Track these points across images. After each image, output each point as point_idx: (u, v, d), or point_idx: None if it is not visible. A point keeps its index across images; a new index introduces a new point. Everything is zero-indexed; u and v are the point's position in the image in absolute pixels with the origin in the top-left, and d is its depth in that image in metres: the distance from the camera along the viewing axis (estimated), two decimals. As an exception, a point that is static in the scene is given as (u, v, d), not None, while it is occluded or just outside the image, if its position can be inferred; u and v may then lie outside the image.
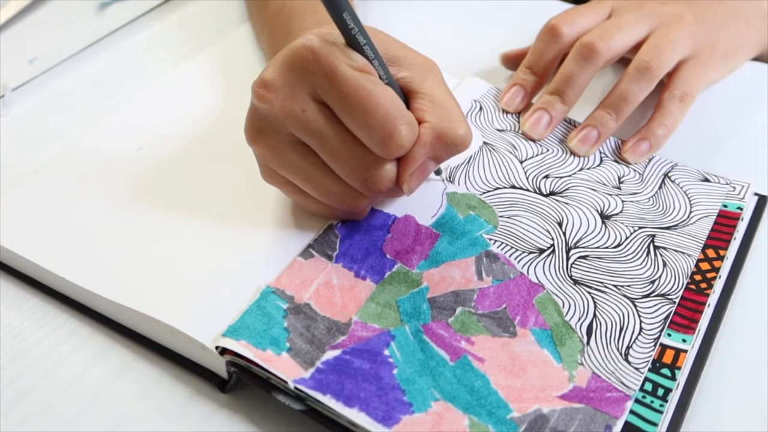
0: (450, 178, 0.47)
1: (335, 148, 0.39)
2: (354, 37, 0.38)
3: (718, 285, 0.42)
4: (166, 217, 0.44)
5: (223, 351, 0.37)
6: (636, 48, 0.50)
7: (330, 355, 0.37)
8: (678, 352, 0.38)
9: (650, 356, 0.38)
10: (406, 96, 0.41)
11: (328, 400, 0.34)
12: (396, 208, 0.44)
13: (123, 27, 0.64)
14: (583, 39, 0.49)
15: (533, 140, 0.50)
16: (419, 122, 0.39)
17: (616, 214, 0.45)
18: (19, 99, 0.56)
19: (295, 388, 0.35)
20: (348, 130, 0.39)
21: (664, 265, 0.42)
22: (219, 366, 0.37)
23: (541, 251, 0.43)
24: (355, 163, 0.39)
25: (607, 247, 0.43)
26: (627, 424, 0.35)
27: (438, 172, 0.46)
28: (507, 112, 0.52)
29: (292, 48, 0.38)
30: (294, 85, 0.38)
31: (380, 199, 0.44)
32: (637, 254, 0.43)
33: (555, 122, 0.50)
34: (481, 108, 0.52)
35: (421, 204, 0.45)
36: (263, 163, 0.42)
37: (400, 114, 0.38)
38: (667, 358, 0.38)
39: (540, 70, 0.52)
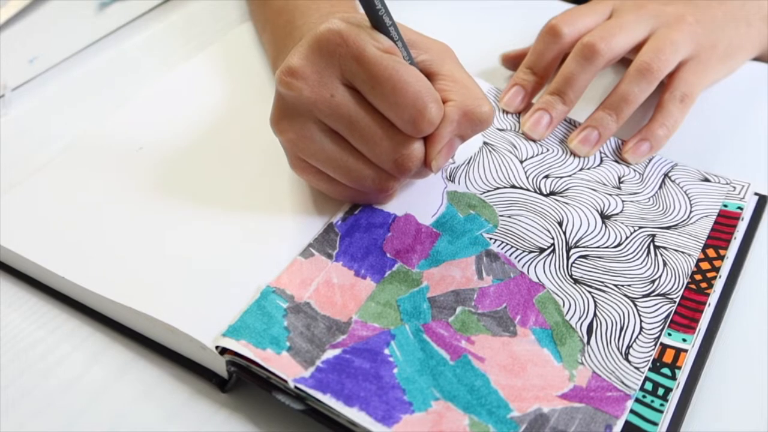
0: (450, 177, 0.47)
1: (365, 131, 0.39)
2: (380, 18, 0.39)
3: (719, 284, 0.42)
4: (166, 217, 0.44)
5: (223, 350, 0.37)
6: (637, 48, 0.50)
7: (330, 354, 0.37)
8: (678, 351, 0.38)
9: (650, 356, 0.38)
10: (427, 78, 0.41)
11: (328, 400, 0.34)
12: (396, 206, 0.44)
13: (123, 27, 0.64)
14: (583, 39, 0.49)
15: (533, 140, 0.50)
16: (443, 102, 0.40)
17: (617, 214, 0.45)
18: (19, 99, 0.56)
19: (296, 387, 0.35)
20: (377, 113, 0.39)
21: (665, 264, 0.42)
22: (219, 365, 0.37)
23: (542, 250, 0.43)
24: (386, 144, 0.39)
25: (607, 247, 0.43)
26: (627, 423, 0.35)
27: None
28: (507, 112, 0.52)
29: (318, 33, 0.38)
30: (321, 70, 0.39)
31: (408, 181, 0.45)
32: (637, 254, 0.43)
33: (555, 122, 0.50)
34: (481, 108, 0.52)
35: (421, 203, 0.45)
36: (292, 154, 0.42)
37: (428, 92, 0.39)
38: (668, 357, 0.38)
39: (540, 70, 0.52)
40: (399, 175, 0.41)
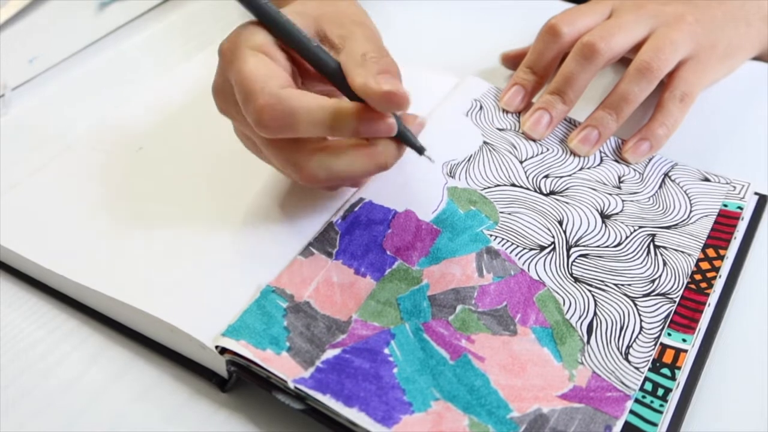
0: (451, 173, 0.47)
1: (262, 145, 0.40)
2: (263, 12, 0.40)
3: (719, 284, 0.42)
4: (167, 216, 0.44)
5: (223, 350, 0.37)
6: (636, 48, 0.50)
7: (330, 354, 0.37)
8: (678, 351, 0.38)
9: (650, 356, 0.38)
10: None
11: (327, 400, 0.34)
12: (396, 202, 0.44)
13: (123, 27, 0.64)
14: (583, 39, 0.49)
15: (533, 140, 0.50)
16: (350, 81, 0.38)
17: (617, 214, 0.45)
18: (19, 99, 0.56)
19: (295, 388, 0.35)
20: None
21: (665, 264, 0.42)
22: (219, 365, 0.37)
23: (542, 248, 0.43)
24: (277, 156, 0.40)
25: (607, 246, 0.43)
26: (627, 424, 0.35)
27: (420, 152, 0.41)
28: (507, 112, 0.52)
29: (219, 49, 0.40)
30: (225, 88, 0.40)
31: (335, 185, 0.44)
32: (637, 253, 0.43)
33: (555, 122, 0.50)
34: (481, 107, 0.52)
35: (421, 198, 0.45)
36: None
37: (261, 90, 0.37)
38: (667, 357, 0.38)
39: (540, 69, 0.52)
40: (305, 185, 0.41)
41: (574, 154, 0.49)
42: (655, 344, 0.38)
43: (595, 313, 0.39)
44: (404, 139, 0.41)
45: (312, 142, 0.39)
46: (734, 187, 0.47)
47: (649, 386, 0.37)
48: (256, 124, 0.37)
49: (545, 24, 0.52)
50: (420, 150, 0.41)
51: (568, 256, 0.42)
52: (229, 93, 0.40)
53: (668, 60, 0.49)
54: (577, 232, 0.44)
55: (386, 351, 0.37)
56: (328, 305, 0.39)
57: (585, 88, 0.50)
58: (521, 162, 0.48)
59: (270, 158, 0.41)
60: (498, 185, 0.46)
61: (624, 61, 0.51)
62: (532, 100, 0.52)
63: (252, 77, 0.37)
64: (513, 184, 0.46)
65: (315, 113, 0.37)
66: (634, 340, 0.38)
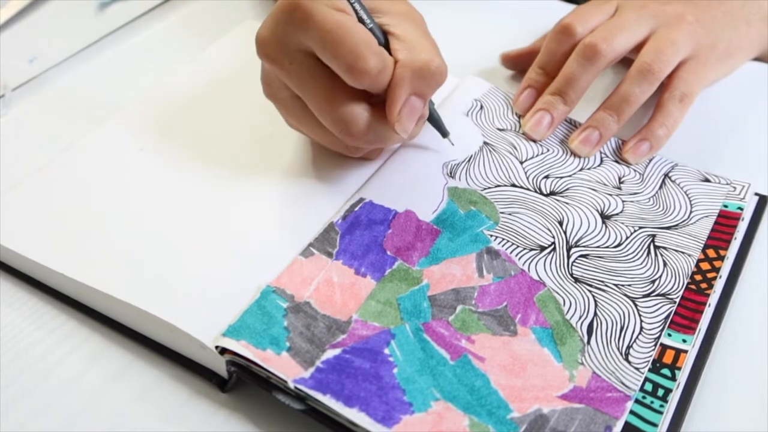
0: (451, 173, 0.47)
1: (314, 96, 0.41)
2: None
3: (719, 285, 0.42)
4: (167, 216, 0.44)
5: (223, 350, 0.37)
6: (637, 48, 0.50)
7: (330, 354, 0.37)
8: (678, 352, 0.38)
9: (650, 356, 0.38)
10: (385, 39, 0.43)
11: (328, 400, 0.34)
12: (397, 202, 0.44)
13: (123, 27, 0.64)
14: (585, 40, 0.49)
15: (534, 141, 0.50)
16: (396, 62, 0.41)
17: (617, 214, 0.45)
18: (19, 99, 0.56)
19: (295, 387, 0.35)
20: (327, 78, 0.41)
21: (665, 264, 0.42)
22: (219, 365, 0.37)
23: (542, 248, 0.43)
24: (328, 108, 0.41)
25: (607, 247, 0.43)
26: (627, 424, 0.35)
27: (444, 135, 0.47)
28: (508, 112, 0.52)
29: (279, 3, 0.41)
30: (281, 38, 0.41)
31: (374, 147, 0.45)
32: (637, 254, 0.43)
33: (556, 123, 0.50)
34: (481, 107, 0.52)
35: (421, 198, 0.45)
36: (281, 113, 0.46)
37: (369, 45, 0.40)
38: (668, 358, 0.38)
39: (553, 70, 0.52)
40: (345, 139, 0.42)
41: (574, 154, 0.49)
42: (656, 345, 0.38)
43: (595, 314, 0.39)
44: (433, 119, 0.47)
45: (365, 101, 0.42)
46: (734, 187, 0.47)
47: (649, 387, 0.37)
48: (358, 66, 0.39)
49: (558, 24, 0.52)
50: (445, 133, 0.47)
51: (569, 257, 0.42)
52: (288, 46, 0.41)
53: (669, 61, 0.49)
54: (577, 233, 0.44)
55: (386, 351, 0.37)
56: (329, 305, 0.39)
57: (586, 89, 0.50)
58: (521, 162, 0.48)
59: (323, 114, 0.42)
60: (498, 186, 0.46)
61: (624, 62, 0.51)
62: None
63: (362, 33, 0.40)
64: (513, 185, 0.46)
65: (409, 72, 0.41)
66: (635, 341, 0.38)
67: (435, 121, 0.47)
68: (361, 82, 0.40)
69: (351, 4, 0.41)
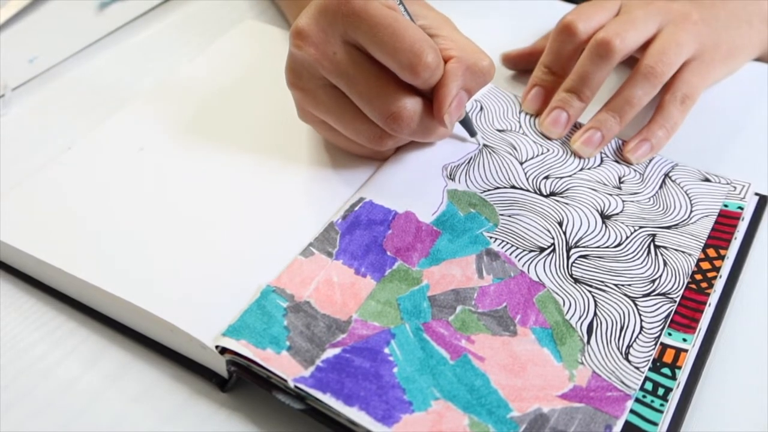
0: (451, 176, 0.47)
1: (362, 87, 0.42)
2: None
3: (719, 284, 0.42)
4: (167, 216, 0.44)
5: (224, 350, 0.37)
6: (644, 46, 0.50)
7: (330, 353, 0.37)
8: (678, 351, 0.38)
9: (651, 355, 0.38)
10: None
11: (328, 399, 0.34)
12: (396, 203, 0.44)
13: (123, 27, 0.64)
14: (598, 37, 0.49)
15: (550, 139, 0.50)
16: (445, 60, 0.42)
17: (617, 214, 0.45)
18: (19, 99, 0.56)
19: (295, 387, 0.35)
20: (376, 70, 0.41)
21: (665, 264, 0.42)
22: (219, 365, 0.37)
23: (542, 250, 0.43)
24: (380, 101, 0.42)
25: (607, 247, 0.43)
26: (627, 423, 0.35)
27: (473, 134, 0.49)
28: (508, 113, 0.52)
29: None
30: (326, 29, 0.41)
31: (408, 139, 0.46)
32: (637, 253, 0.43)
33: (572, 120, 0.50)
34: (481, 108, 0.52)
35: (421, 200, 0.45)
36: (300, 106, 0.46)
37: (427, 40, 0.41)
38: (668, 357, 0.38)
39: (559, 69, 0.52)
40: (392, 131, 0.43)
41: (576, 155, 0.49)
42: (656, 344, 0.38)
43: (595, 314, 0.39)
44: (466, 117, 0.48)
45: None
46: (735, 187, 0.47)
47: (649, 386, 0.37)
48: (422, 62, 0.40)
49: (559, 22, 0.52)
50: (473, 132, 0.49)
51: (568, 257, 0.42)
52: (334, 37, 0.41)
53: (672, 63, 0.49)
54: (577, 233, 0.44)
55: (386, 350, 0.37)
56: (329, 305, 0.39)
57: (601, 85, 0.50)
58: (521, 163, 0.48)
59: (373, 106, 0.42)
60: (498, 187, 0.46)
61: (627, 61, 0.51)
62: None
63: (418, 30, 0.41)
64: (513, 186, 0.46)
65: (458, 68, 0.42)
66: (635, 340, 0.38)
67: (467, 119, 0.48)
68: (420, 77, 0.41)
69: (400, 3, 0.42)
